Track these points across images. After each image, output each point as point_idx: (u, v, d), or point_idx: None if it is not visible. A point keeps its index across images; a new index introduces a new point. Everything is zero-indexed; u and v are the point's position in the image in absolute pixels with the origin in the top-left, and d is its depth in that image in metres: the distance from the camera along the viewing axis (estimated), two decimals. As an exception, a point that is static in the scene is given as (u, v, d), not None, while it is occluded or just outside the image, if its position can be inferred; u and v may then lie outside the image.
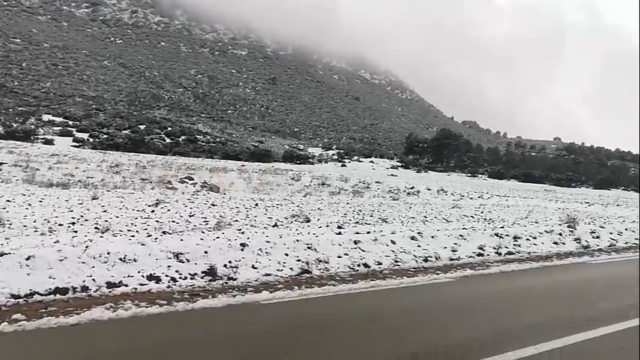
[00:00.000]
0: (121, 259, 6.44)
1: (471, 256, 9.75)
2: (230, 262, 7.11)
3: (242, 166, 47.15)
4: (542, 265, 9.48)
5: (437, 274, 7.95)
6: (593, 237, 13.49)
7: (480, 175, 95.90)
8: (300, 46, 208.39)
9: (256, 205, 19.30)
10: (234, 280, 6.72)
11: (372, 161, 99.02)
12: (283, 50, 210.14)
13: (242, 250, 7.56)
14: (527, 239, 11.85)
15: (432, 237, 10.36)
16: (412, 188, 38.18)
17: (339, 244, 8.70)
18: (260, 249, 7.71)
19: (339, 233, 10.45)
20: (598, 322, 5.25)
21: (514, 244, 11.21)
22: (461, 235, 10.87)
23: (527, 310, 5.97)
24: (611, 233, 14.35)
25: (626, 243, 13.66)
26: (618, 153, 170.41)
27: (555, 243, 12.25)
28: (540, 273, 8.72)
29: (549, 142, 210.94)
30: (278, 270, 7.26)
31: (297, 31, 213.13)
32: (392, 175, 66.58)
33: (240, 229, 10.98)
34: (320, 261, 7.81)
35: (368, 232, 11.15)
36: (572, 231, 13.55)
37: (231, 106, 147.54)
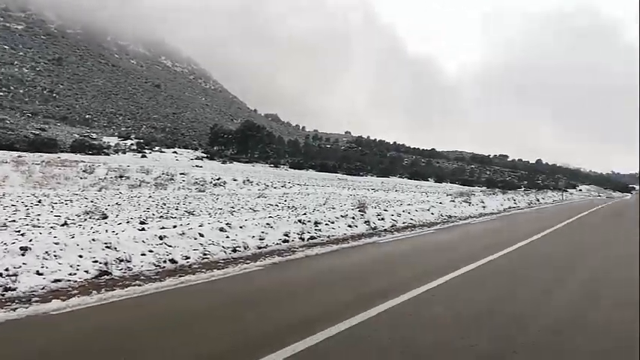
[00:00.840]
0: None
1: (278, 243, 10.12)
2: (7, 269, 6.02)
3: (19, 157, 40.52)
4: (340, 247, 10.37)
5: (247, 263, 8.03)
6: (379, 219, 15.29)
7: (282, 166, 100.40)
8: (90, 24, 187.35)
9: (39, 202, 16.86)
10: (14, 290, 5.71)
11: (175, 152, 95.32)
12: (71, 28, 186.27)
13: (23, 254, 6.46)
14: (326, 224, 12.82)
15: (241, 227, 10.43)
16: (218, 179, 37.95)
17: (143, 241, 8.11)
18: (47, 252, 6.69)
19: (143, 229, 9.77)
20: (396, 291, 5.94)
21: (315, 229, 12.02)
22: (268, 224, 11.19)
23: (335, 289, 6.45)
24: (392, 215, 16.47)
25: (404, 223, 15.85)
26: (395, 145, 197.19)
27: (350, 226, 13.53)
28: (340, 254, 9.52)
29: (342, 135, 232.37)
30: (70, 274, 6.41)
31: (86, 8, 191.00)
32: (197, 166, 65.13)
33: (19, 231, 9.45)
34: (121, 260, 7.16)
35: (174, 227, 10.67)
36: (362, 215, 15.14)
37: (3, 87, 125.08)
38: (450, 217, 19.47)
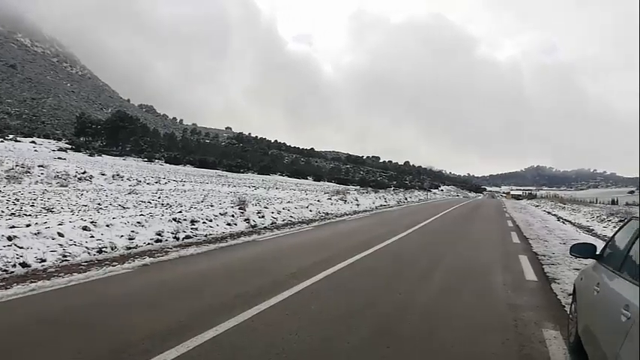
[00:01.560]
0: None
1: (149, 243, 9.49)
2: None
3: None
4: (218, 246, 10.04)
5: (113, 265, 7.38)
6: (259, 217, 15.19)
7: (156, 160, 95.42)
8: None
9: None
10: None
11: (33, 141, 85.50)
12: None
13: None
14: (204, 222, 12.36)
15: (108, 226, 9.60)
16: (84, 173, 34.84)
17: (-15, 243, 7.05)
18: None
19: (-14, 228, 8.50)
20: (271, 292, 5.85)
21: (192, 228, 11.52)
22: (138, 222, 10.46)
23: (207, 292, 6.15)
24: (272, 213, 16.48)
25: (284, 220, 15.95)
26: (276, 143, 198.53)
27: (229, 224, 13.22)
28: (217, 254, 9.20)
29: (222, 131, 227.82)
30: None
31: None
32: (60, 158, 59.00)
33: None
34: (-44, 266, 6.14)
35: (28, 225, 9.50)
36: (242, 212, 14.91)
37: None
38: (327, 214, 20.04)
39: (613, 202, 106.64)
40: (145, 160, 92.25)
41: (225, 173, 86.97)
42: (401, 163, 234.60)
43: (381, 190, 48.54)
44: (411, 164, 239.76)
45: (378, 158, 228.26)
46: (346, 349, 4.14)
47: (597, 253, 3.81)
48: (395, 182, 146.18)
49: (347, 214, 21.30)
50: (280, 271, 7.42)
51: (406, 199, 44.08)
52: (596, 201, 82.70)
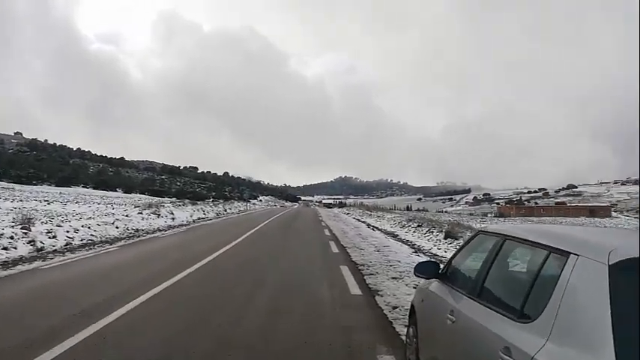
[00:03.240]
0: None
1: None
2: None
3: None
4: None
5: None
6: (49, 237, 12.64)
7: None
8: None
9: None
10: None
11: None
12: None
13: None
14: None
15: None
16: None
17: None
18: None
19: None
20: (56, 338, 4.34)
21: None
22: None
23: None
24: (68, 232, 13.94)
25: (82, 240, 13.59)
26: (80, 152, 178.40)
27: (5, 249, 10.60)
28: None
29: (10, 137, 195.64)
30: None
31: None
32: None
33: None
34: None
35: None
36: (25, 233, 12.21)
37: None
38: (136, 230, 17.94)
39: (408, 208, 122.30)
40: None
41: (11, 185, 74.17)
42: (220, 173, 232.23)
43: (199, 202, 46.45)
44: (230, 175, 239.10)
45: (196, 168, 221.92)
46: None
47: (441, 272, 3.46)
48: (214, 193, 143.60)
49: (160, 230, 19.40)
50: (57, 314, 5.68)
51: (226, 210, 43.05)
52: (395, 207, 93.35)
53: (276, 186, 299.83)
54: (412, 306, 4.09)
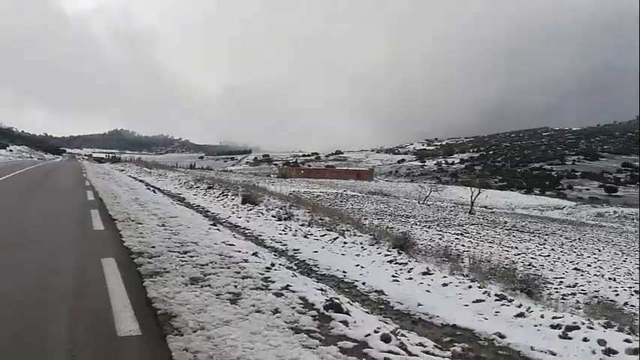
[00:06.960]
0: None
1: None
2: None
3: None
4: None
5: None
6: None
7: None
8: None
9: None
10: None
11: None
12: None
13: None
14: None
15: None
16: None
17: None
18: None
19: None
20: None
21: None
22: None
23: None
24: None
25: None
26: None
27: None
28: None
29: None
30: None
31: None
32: None
33: None
34: None
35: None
36: None
37: None
38: None
39: (191, 167, 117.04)
40: None
41: None
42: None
43: None
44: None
45: None
46: None
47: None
48: None
49: None
50: None
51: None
52: (177, 165, 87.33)
53: (35, 135, 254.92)
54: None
